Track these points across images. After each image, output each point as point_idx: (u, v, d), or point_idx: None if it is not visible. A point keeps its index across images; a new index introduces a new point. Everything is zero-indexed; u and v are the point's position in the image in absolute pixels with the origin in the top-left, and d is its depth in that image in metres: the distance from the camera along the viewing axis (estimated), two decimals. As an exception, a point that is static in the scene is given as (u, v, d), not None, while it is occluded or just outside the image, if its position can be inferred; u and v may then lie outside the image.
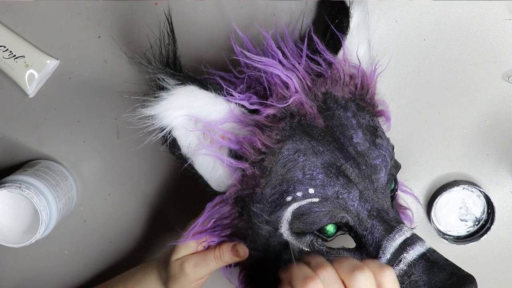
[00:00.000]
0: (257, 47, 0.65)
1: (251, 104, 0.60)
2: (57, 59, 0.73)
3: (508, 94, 0.72)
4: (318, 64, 0.63)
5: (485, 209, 0.74)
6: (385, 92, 0.73)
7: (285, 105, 0.60)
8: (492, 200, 0.72)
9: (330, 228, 0.60)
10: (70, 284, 0.78)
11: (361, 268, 0.50)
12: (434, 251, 0.57)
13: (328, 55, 0.63)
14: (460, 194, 0.74)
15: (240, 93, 0.61)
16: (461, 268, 0.56)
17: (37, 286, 0.78)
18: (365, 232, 0.59)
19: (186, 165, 0.61)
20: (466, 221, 0.75)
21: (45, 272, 0.78)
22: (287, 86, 0.61)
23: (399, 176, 0.75)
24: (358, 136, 0.61)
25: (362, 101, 0.65)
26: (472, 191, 0.74)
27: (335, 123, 0.61)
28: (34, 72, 0.72)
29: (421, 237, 0.59)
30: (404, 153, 0.74)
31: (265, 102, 0.60)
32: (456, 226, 0.75)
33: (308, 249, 0.60)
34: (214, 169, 0.62)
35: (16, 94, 0.74)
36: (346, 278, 0.50)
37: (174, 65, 0.58)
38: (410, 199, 0.75)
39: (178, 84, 0.57)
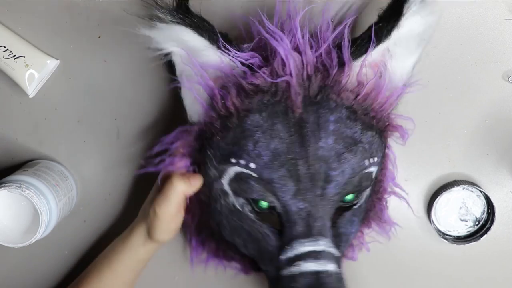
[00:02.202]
0: (281, 21, 0.65)
1: (242, 64, 0.62)
2: (57, 59, 0.73)
3: (508, 94, 0.72)
4: (330, 57, 0.62)
5: (485, 209, 0.74)
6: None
7: (271, 81, 0.61)
8: (492, 200, 0.72)
9: (263, 204, 0.63)
10: (70, 284, 0.78)
11: None
12: (330, 276, 0.59)
13: (345, 55, 0.62)
14: (460, 194, 0.74)
15: (242, 51, 0.62)
16: None
17: (37, 286, 0.78)
18: (287, 224, 0.62)
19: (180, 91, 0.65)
20: (466, 221, 0.75)
21: (45, 272, 0.78)
22: (284, 65, 0.61)
23: (399, 176, 0.74)
24: (326, 141, 0.61)
25: (360, 111, 0.63)
26: (472, 191, 0.74)
27: (311, 119, 0.61)
28: (34, 72, 0.71)
29: (329, 260, 0.61)
30: (404, 153, 0.74)
31: (256, 70, 0.61)
32: (456, 226, 0.75)
33: (240, 209, 0.64)
34: (193, 102, 0.65)
35: (16, 94, 0.74)
36: None
37: (182, 7, 0.61)
38: (410, 199, 0.75)
39: (173, 22, 0.60)
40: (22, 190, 0.66)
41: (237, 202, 0.64)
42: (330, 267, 0.60)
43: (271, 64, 0.61)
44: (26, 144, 0.75)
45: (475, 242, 0.73)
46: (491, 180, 0.75)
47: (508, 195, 0.75)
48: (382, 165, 0.69)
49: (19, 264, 0.78)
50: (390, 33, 0.62)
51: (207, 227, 0.70)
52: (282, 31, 0.63)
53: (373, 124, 0.64)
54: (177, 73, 0.65)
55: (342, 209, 0.65)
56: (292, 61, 0.61)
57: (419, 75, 0.72)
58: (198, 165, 0.67)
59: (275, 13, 0.65)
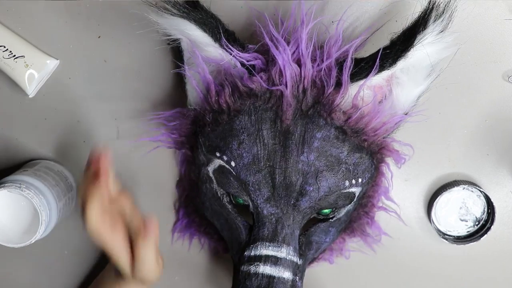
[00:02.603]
0: (294, 26, 0.65)
1: (242, 65, 0.62)
2: (57, 59, 0.73)
3: (508, 94, 0.72)
4: (330, 75, 0.61)
5: (485, 209, 0.74)
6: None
7: (266, 87, 0.61)
8: (492, 200, 0.72)
9: (240, 200, 0.65)
10: (70, 284, 0.78)
11: None
12: (283, 283, 0.61)
13: (345, 75, 0.61)
14: (460, 194, 0.74)
15: (247, 50, 0.63)
16: None
17: (37, 286, 0.78)
18: (257, 224, 0.63)
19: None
20: (466, 221, 0.75)
21: (45, 272, 0.78)
22: (282, 74, 0.61)
23: (399, 176, 0.75)
24: (308, 156, 0.61)
25: (350, 133, 0.62)
26: (472, 191, 0.74)
27: (297, 132, 0.61)
28: (34, 72, 0.71)
29: (287, 269, 0.62)
30: (404, 153, 0.74)
31: (254, 74, 0.62)
32: (456, 226, 0.75)
33: (220, 198, 0.66)
34: (193, 89, 0.67)
35: (16, 94, 0.74)
36: None
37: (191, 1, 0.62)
38: (410, 199, 0.75)
39: (178, 15, 0.61)
40: (22, 190, 0.66)
41: (219, 191, 0.66)
42: (286, 275, 0.62)
43: (269, 71, 0.62)
44: (26, 144, 0.75)
45: (475, 242, 0.73)
46: (491, 180, 0.75)
47: (508, 195, 0.75)
48: (373, 182, 0.69)
49: (19, 264, 0.78)
50: (396, 62, 0.60)
51: (193, 203, 0.73)
52: (289, 38, 0.63)
53: (364, 146, 0.64)
54: (185, 58, 0.66)
55: (317, 220, 0.66)
56: (290, 72, 0.61)
57: (419, 75, 0.72)
58: (191, 147, 0.70)
59: (290, 16, 0.65)
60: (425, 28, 0.58)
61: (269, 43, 0.62)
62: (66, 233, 0.76)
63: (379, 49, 0.61)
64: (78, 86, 0.74)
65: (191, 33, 0.62)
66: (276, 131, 0.62)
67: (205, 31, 0.62)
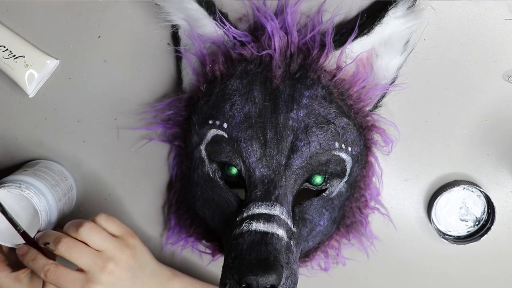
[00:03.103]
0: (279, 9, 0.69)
1: (234, 38, 0.67)
2: (57, 59, 0.73)
3: (508, 94, 0.72)
4: (314, 40, 0.67)
5: (485, 209, 0.74)
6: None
7: (257, 53, 0.66)
8: (492, 200, 0.72)
9: (232, 170, 0.65)
10: None
11: (81, 224, 0.64)
12: (278, 239, 0.60)
13: (328, 38, 0.66)
14: (460, 194, 0.74)
15: (238, 29, 0.68)
16: (271, 263, 0.58)
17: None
18: (249, 189, 0.64)
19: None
20: (466, 221, 0.75)
21: (45, 272, 0.78)
22: (271, 41, 0.66)
23: (399, 176, 0.75)
24: (298, 113, 0.64)
25: (337, 94, 0.66)
26: (472, 191, 0.74)
27: (287, 91, 0.65)
28: (34, 72, 0.71)
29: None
30: (404, 153, 0.74)
31: (246, 44, 0.66)
32: (456, 226, 0.75)
33: (212, 177, 0.67)
34: (188, 73, 0.71)
35: (16, 94, 0.74)
36: (77, 237, 0.64)
37: None
38: (410, 199, 0.75)
39: None
40: (22, 190, 0.66)
41: (211, 169, 0.67)
42: (280, 232, 0.61)
43: (259, 40, 0.67)
44: (26, 144, 0.75)
45: (475, 242, 0.73)
46: (491, 180, 0.75)
47: (508, 195, 0.75)
48: (364, 172, 0.71)
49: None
50: (373, 27, 0.66)
51: (184, 202, 0.73)
52: (277, 14, 0.69)
53: (351, 114, 0.67)
54: (182, 45, 0.70)
55: (310, 195, 0.67)
56: (277, 37, 0.65)
57: (419, 75, 0.72)
58: (184, 138, 0.71)
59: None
60: (396, 3, 0.65)
61: (257, 13, 0.68)
62: (66, 233, 0.76)
63: (358, 15, 0.68)
64: (78, 86, 0.74)
65: (189, 7, 0.66)
66: (266, 91, 0.65)
67: (201, 5, 0.66)
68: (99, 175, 0.76)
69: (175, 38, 0.70)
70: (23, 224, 0.68)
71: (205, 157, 0.67)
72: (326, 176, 0.66)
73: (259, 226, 0.61)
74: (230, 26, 0.67)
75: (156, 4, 0.68)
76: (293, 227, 0.63)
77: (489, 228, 0.73)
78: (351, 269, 0.76)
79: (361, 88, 0.68)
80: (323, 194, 0.67)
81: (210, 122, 0.66)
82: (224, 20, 0.67)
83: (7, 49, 0.71)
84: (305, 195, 0.67)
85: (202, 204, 0.69)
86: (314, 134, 0.64)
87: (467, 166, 0.74)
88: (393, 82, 0.70)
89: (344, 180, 0.68)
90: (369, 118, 0.69)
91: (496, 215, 0.72)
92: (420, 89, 0.73)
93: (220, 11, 0.67)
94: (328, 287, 0.77)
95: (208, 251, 0.75)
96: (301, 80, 0.65)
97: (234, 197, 0.66)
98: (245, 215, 0.62)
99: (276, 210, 0.62)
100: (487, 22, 0.71)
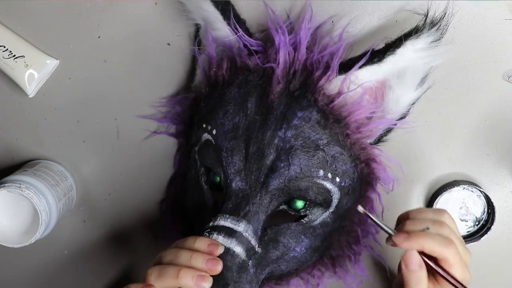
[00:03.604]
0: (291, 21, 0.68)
1: (244, 46, 0.65)
2: (57, 59, 0.73)
3: (508, 94, 0.72)
4: (319, 61, 0.64)
5: (485, 209, 0.74)
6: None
7: (260, 65, 0.64)
8: (492, 200, 0.72)
9: (216, 178, 0.65)
10: (70, 284, 0.78)
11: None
12: (233, 257, 0.58)
13: (334, 61, 0.63)
14: (460, 194, 0.74)
15: (250, 36, 0.66)
16: (216, 279, 0.57)
17: (37, 286, 0.78)
18: (224, 198, 0.62)
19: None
20: (466, 221, 0.75)
21: (45, 272, 0.78)
22: (277, 54, 0.64)
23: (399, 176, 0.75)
24: (286, 133, 0.62)
25: (332, 120, 0.63)
26: (472, 191, 0.74)
27: (280, 108, 0.63)
28: (34, 72, 0.71)
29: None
30: (404, 153, 0.74)
31: (253, 54, 0.65)
32: (456, 226, 0.75)
33: (199, 180, 0.67)
34: (199, 73, 0.70)
35: (16, 94, 0.74)
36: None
37: None
38: (410, 199, 0.75)
39: None
40: (22, 190, 0.66)
41: (200, 171, 0.67)
42: (238, 249, 0.59)
43: (266, 52, 0.65)
44: (26, 144, 0.75)
45: (475, 242, 0.73)
46: (491, 180, 0.75)
47: (508, 195, 0.75)
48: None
49: (19, 264, 0.78)
50: (385, 57, 0.61)
51: (180, 199, 0.73)
52: (292, 28, 0.67)
53: (346, 144, 0.64)
54: (197, 45, 0.70)
55: (289, 219, 0.64)
56: (284, 52, 0.63)
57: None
58: (187, 136, 0.71)
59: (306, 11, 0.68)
60: (419, 35, 0.60)
61: (270, 25, 0.65)
62: (66, 233, 0.76)
63: (371, 46, 0.62)
64: (78, 86, 0.74)
65: (205, 9, 0.65)
66: (260, 105, 0.63)
67: (217, 7, 0.65)
68: (99, 175, 0.76)
69: (196, 36, 0.71)
70: (23, 224, 0.68)
71: (198, 159, 0.67)
72: (307, 203, 0.64)
73: (219, 238, 0.59)
74: (243, 33, 0.65)
75: (180, 1, 0.67)
76: (257, 247, 0.61)
77: (489, 228, 0.73)
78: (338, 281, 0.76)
79: (361, 118, 0.64)
80: (302, 220, 0.64)
81: (204, 125, 0.66)
82: (238, 26, 0.65)
83: (7, 49, 0.71)
84: (285, 218, 0.65)
85: (192, 205, 0.69)
86: (297, 157, 0.61)
87: (467, 166, 0.74)
88: (402, 118, 0.66)
89: (330, 210, 0.65)
90: (367, 151, 0.65)
91: (496, 215, 0.72)
92: (409, 129, 0.72)
93: (238, 17, 0.66)
94: (329, 286, 0.77)
95: None
96: (298, 100, 0.63)
97: (212, 203, 0.66)
98: (210, 224, 0.60)
99: (241, 227, 0.60)
100: (487, 22, 0.71)
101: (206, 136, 0.65)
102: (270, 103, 0.63)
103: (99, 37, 0.73)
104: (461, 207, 0.75)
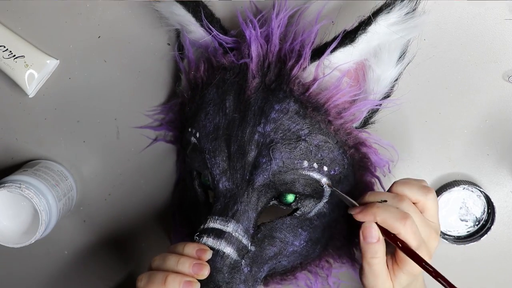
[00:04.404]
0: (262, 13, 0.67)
1: (219, 45, 0.65)
2: (57, 59, 0.73)
3: (508, 94, 0.72)
4: (291, 50, 0.62)
5: (485, 209, 0.74)
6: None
7: (235, 62, 0.64)
8: (492, 200, 0.72)
9: (206, 180, 0.65)
10: (70, 284, 0.78)
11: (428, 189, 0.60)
12: (222, 258, 0.58)
13: (306, 48, 0.61)
14: (460, 194, 0.74)
15: (224, 34, 0.66)
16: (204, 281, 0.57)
17: (37, 286, 0.78)
18: (214, 202, 0.62)
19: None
20: (466, 221, 0.75)
21: (45, 272, 0.78)
22: (249, 49, 0.63)
23: (399, 176, 0.74)
24: (264, 127, 0.61)
25: (311, 108, 0.61)
26: (472, 191, 0.74)
27: (258, 103, 0.62)
28: (34, 72, 0.71)
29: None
30: (404, 153, 0.74)
31: (228, 52, 0.64)
32: (456, 226, 0.75)
33: (193, 184, 0.67)
34: (183, 77, 0.70)
35: (16, 94, 0.74)
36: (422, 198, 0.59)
37: None
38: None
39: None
40: (22, 190, 0.66)
41: (193, 175, 0.67)
42: (228, 250, 0.59)
43: (239, 48, 0.64)
44: (26, 144, 0.75)
45: (475, 242, 0.73)
46: (491, 180, 0.75)
47: (508, 195, 0.75)
48: (358, 194, 0.65)
49: (19, 264, 0.78)
50: (356, 36, 0.59)
51: (183, 204, 0.73)
52: (265, 21, 0.65)
53: (330, 131, 0.62)
54: (178, 50, 0.71)
55: (283, 214, 0.64)
56: (256, 46, 0.62)
57: (419, 75, 0.72)
58: (181, 140, 0.71)
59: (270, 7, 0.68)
60: (391, 9, 0.57)
61: (240, 20, 0.64)
62: (66, 233, 0.77)
63: (344, 30, 0.60)
64: (78, 86, 0.74)
65: (177, 13, 0.66)
66: (238, 102, 0.63)
67: (187, 10, 0.65)
68: (99, 175, 0.76)
69: (177, 41, 0.71)
70: (23, 224, 0.68)
71: (190, 160, 0.66)
72: (297, 196, 0.62)
73: (208, 241, 0.59)
74: (218, 33, 0.64)
75: (156, 9, 0.68)
76: (250, 245, 0.60)
77: (489, 228, 0.73)
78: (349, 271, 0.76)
79: (341, 103, 0.62)
80: (295, 214, 0.63)
81: (190, 129, 0.66)
82: (210, 26, 0.64)
83: (7, 49, 0.71)
84: (279, 213, 0.64)
85: (191, 211, 0.70)
86: (277, 151, 0.60)
87: (467, 166, 0.74)
88: (386, 96, 0.64)
89: (324, 201, 0.63)
90: (355, 135, 0.63)
91: (496, 215, 0.72)
92: (420, 89, 0.73)
93: (212, 16, 0.66)
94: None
95: None
96: (274, 92, 0.62)
97: (207, 205, 0.66)
98: (201, 227, 0.60)
99: (229, 227, 0.59)
100: (487, 22, 0.71)
101: (193, 139, 0.65)
102: (247, 99, 0.62)
103: (99, 37, 0.73)
104: (461, 207, 0.75)
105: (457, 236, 0.75)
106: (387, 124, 0.73)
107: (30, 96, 0.73)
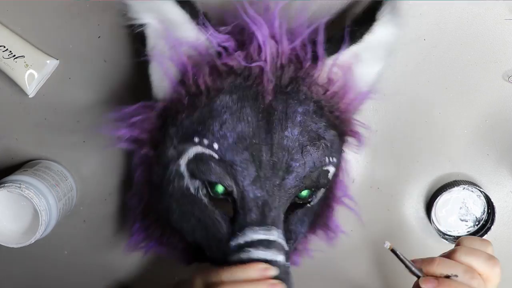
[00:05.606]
0: (264, 9, 0.64)
1: (218, 45, 0.61)
2: (57, 59, 0.73)
3: (508, 94, 0.72)
4: (305, 50, 0.63)
5: (485, 209, 0.74)
6: (385, 92, 0.72)
7: (246, 65, 0.61)
8: (492, 200, 0.72)
9: (219, 188, 0.62)
10: (70, 284, 0.78)
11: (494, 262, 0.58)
12: (279, 267, 0.59)
13: (320, 49, 0.62)
14: (460, 194, 0.74)
15: (220, 32, 0.62)
16: None
17: (37, 286, 0.78)
18: (241, 211, 0.61)
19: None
20: (466, 221, 0.75)
21: (45, 272, 0.78)
22: (260, 50, 0.61)
23: (399, 176, 0.75)
24: (292, 131, 0.61)
25: (327, 108, 0.64)
26: (472, 191, 0.74)
27: (280, 108, 0.61)
28: (34, 72, 0.71)
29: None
30: (404, 153, 0.74)
31: (231, 53, 0.61)
32: (456, 226, 0.75)
33: (193, 193, 0.63)
34: (161, 78, 0.64)
35: (16, 94, 0.74)
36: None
37: None
38: (410, 199, 0.75)
39: None
40: (22, 190, 0.66)
41: (192, 185, 0.63)
42: (280, 258, 0.60)
43: (247, 49, 0.61)
44: (26, 144, 0.75)
45: (475, 242, 0.73)
46: (491, 180, 0.75)
47: (508, 195, 0.75)
48: (337, 172, 0.68)
49: (19, 264, 0.78)
50: (363, 36, 0.63)
51: (153, 211, 0.69)
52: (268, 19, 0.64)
53: (336, 124, 0.65)
54: (148, 46, 0.63)
55: (295, 206, 0.65)
56: (269, 47, 0.61)
57: (419, 75, 0.72)
58: (156, 145, 0.65)
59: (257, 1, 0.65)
60: (381, 7, 0.62)
61: (247, 19, 0.61)
62: (66, 233, 0.76)
63: (345, 26, 0.63)
64: (78, 86, 0.74)
65: (168, 11, 0.61)
66: (259, 108, 0.61)
67: (183, 8, 0.61)
68: (99, 175, 0.76)
69: (141, 37, 0.64)
70: (23, 224, 0.68)
71: (185, 172, 0.63)
72: (312, 189, 0.64)
73: (260, 254, 0.59)
74: (214, 31, 0.61)
75: (122, 2, 0.62)
76: (287, 246, 0.62)
77: (489, 228, 0.73)
78: (351, 269, 0.76)
79: (350, 99, 0.65)
80: (307, 205, 0.65)
81: (196, 140, 0.61)
82: (208, 25, 0.61)
83: (7, 49, 0.71)
84: (288, 207, 0.65)
85: (179, 218, 0.65)
86: (308, 153, 0.61)
87: (467, 166, 0.74)
88: (371, 88, 0.68)
89: (327, 187, 0.67)
90: (353, 124, 0.67)
91: (496, 215, 0.72)
92: (420, 89, 0.73)
93: (205, 14, 0.62)
94: (328, 286, 0.77)
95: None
96: (293, 95, 0.62)
97: (222, 215, 0.63)
98: (242, 241, 0.60)
99: (274, 235, 0.60)
100: (487, 22, 0.71)
101: (199, 150, 0.61)
102: (268, 105, 0.61)
103: (99, 37, 0.72)
104: (461, 207, 0.75)
105: (457, 236, 0.75)
106: (387, 124, 0.73)
107: (30, 96, 0.73)
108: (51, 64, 0.72)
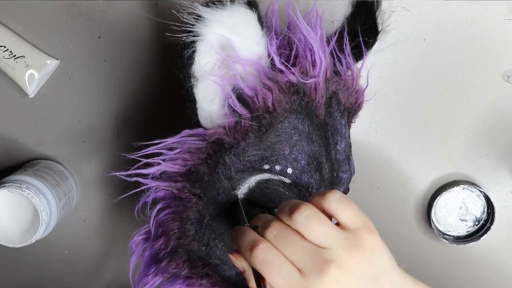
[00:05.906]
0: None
1: (280, 62, 0.57)
2: (57, 59, 0.73)
3: (508, 94, 0.72)
4: (340, 62, 0.61)
5: (485, 209, 0.74)
6: (385, 92, 0.73)
7: (305, 81, 0.57)
8: (492, 200, 0.72)
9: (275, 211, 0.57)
10: (70, 284, 0.78)
11: (297, 208, 0.47)
12: None
13: (350, 59, 0.62)
14: (460, 194, 0.74)
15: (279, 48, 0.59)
16: None
17: (37, 286, 0.78)
18: None
19: (187, 84, 0.56)
20: (466, 221, 0.75)
21: (45, 272, 0.78)
22: (314, 65, 0.58)
23: (399, 176, 0.75)
24: (341, 145, 0.61)
25: (351, 115, 0.64)
26: (472, 191, 0.74)
27: (331, 123, 0.60)
28: (34, 72, 0.71)
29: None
30: (404, 153, 0.74)
31: (291, 68, 0.57)
32: (456, 226, 0.75)
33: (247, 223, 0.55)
34: (212, 101, 0.57)
35: (16, 94, 0.74)
36: (291, 224, 0.47)
37: None
38: (410, 199, 0.75)
39: (244, 3, 0.55)
40: (22, 190, 0.66)
41: (248, 214, 0.56)
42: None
43: (300, 63, 0.58)
44: (26, 144, 0.75)
45: (475, 242, 0.74)
46: (491, 180, 0.75)
47: (508, 195, 0.75)
48: None
49: (19, 264, 0.78)
50: (374, 43, 0.66)
51: (183, 249, 0.60)
52: (289, 27, 0.62)
53: (349, 124, 0.66)
54: (196, 65, 0.56)
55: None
56: (324, 62, 0.58)
57: (419, 75, 0.72)
58: (194, 179, 0.58)
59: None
60: (378, 7, 0.66)
61: (305, 32, 0.58)
62: (66, 233, 0.76)
63: (357, 31, 0.65)
64: (78, 86, 0.74)
65: (247, 27, 0.56)
66: (317, 126, 0.59)
67: (261, 23, 0.57)
68: (99, 175, 0.76)
69: (182, 55, 0.56)
70: (24, 224, 0.68)
71: (241, 202, 0.58)
72: None
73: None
74: (278, 44, 0.58)
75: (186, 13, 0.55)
76: None
77: (488, 228, 0.73)
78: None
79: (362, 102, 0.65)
80: None
81: (266, 167, 0.57)
82: (273, 42, 0.57)
83: (7, 49, 0.71)
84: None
85: (223, 250, 0.59)
86: (351, 162, 0.63)
87: (467, 166, 0.74)
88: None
89: None
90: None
91: (496, 215, 0.72)
92: (420, 89, 0.73)
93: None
94: None
95: None
96: (336, 108, 0.60)
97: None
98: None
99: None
100: (487, 22, 0.71)
101: (266, 176, 0.58)
102: (322, 121, 0.59)
103: (99, 37, 0.72)
104: (461, 207, 0.75)
105: (456, 236, 0.75)
106: (387, 124, 0.73)
107: (30, 96, 0.73)
108: (51, 64, 0.72)
